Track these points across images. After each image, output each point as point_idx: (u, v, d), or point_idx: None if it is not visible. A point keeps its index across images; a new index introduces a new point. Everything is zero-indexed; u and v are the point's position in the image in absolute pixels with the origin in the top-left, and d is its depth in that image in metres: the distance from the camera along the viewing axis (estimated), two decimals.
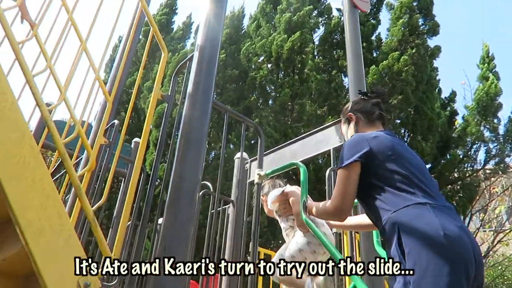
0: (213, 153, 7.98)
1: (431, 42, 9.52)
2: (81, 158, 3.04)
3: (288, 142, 3.69)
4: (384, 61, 8.61)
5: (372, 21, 9.89)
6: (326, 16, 10.05)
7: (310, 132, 3.49)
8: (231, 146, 7.73)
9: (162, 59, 2.18)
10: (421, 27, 9.40)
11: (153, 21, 2.09)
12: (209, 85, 1.83)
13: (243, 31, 10.62)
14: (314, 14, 9.80)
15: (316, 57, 9.64)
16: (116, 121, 2.74)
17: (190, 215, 1.53)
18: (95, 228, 1.55)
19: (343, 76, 9.75)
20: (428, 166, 9.76)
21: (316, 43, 9.93)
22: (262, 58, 9.35)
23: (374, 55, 9.67)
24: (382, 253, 1.91)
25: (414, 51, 8.72)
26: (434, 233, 1.28)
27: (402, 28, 9.04)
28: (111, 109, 2.24)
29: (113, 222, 3.81)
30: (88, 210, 1.55)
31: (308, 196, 1.72)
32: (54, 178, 3.52)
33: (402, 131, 9.50)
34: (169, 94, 2.12)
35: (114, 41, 11.90)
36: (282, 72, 8.90)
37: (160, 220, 3.94)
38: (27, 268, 1.67)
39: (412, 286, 1.23)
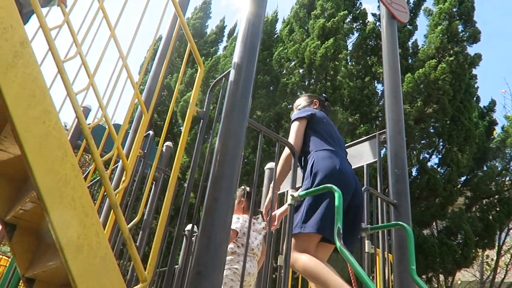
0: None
1: (471, 50, 9.22)
2: (117, 166, 3.11)
3: None
4: (421, 69, 8.37)
5: (408, 26, 9.65)
6: (361, 21, 9.88)
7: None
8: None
9: (198, 74, 2.20)
10: (461, 34, 9.08)
11: (191, 38, 2.10)
12: (245, 106, 1.83)
13: (275, 35, 10.61)
14: (348, 19, 9.67)
15: (349, 64, 9.50)
16: (151, 132, 2.79)
17: (224, 239, 1.53)
18: (130, 246, 1.58)
19: (376, 83, 9.57)
20: (463, 178, 9.43)
21: (350, 49, 9.79)
22: (293, 63, 9.30)
23: (410, 61, 9.43)
24: (420, 282, 1.84)
25: (452, 59, 8.43)
26: (333, 166, 2.21)
27: (441, 35, 8.76)
28: (148, 121, 2.27)
29: (142, 226, 3.87)
30: (124, 228, 1.57)
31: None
32: (91, 183, 3.62)
33: (437, 141, 9.22)
34: (204, 110, 2.13)
35: (149, 43, 12.16)
36: (314, 78, 8.82)
37: (188, 227, 3.96)
38: (65, 279, 1.73)
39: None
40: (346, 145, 3.50)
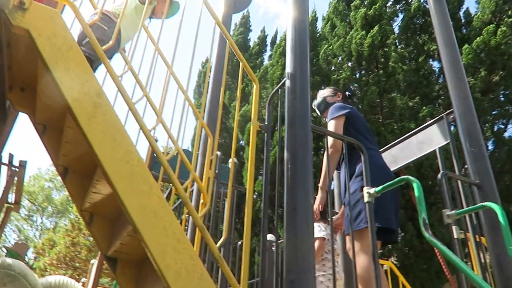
0: None
1: None
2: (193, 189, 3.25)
3: (387, 146, 3.55)
4: (478, 37, 7.86)
5: None
6: (404, 1, 9.52)
7: (410, 133, 3.32)
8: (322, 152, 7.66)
9: (255, 91, 2.27)
10: None
11: (243, 58, 2.19)
12: (306, 113, 1.86)
13: (318, 34, 10.53)
14: (390, 3, 9.35)
15: (399, 47, 9.16)
16: (218, 152, 2.91)
17: (310, 245, 1.56)
18: (222, 264, 1.66)
19: (431, 61, 9.12)
20: None
21: (397, 32, 9.44)
22: (341, 58, 9.16)
23: (464, 32, 8.89)
24: None
25: None
26: (383, 164, 2.40)
27: None
28: (216, 144, 2.38)
29: (225, 244, 4.02)
30: (214, 249, 1.66)
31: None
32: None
33: (510, 109, 8.53)
34: (266, 123, 2.20)
35: (198, 67, 12.63)
36: (364, 69, 8.61)
37: (269, 237, 4.04)
38: None
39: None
40: (413, 131, 3.40)
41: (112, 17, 2.58)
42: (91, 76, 1.70)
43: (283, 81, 2.13)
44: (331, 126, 2.46)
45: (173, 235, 1.58)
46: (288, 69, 2.07)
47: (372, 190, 1.87)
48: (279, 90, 2.28)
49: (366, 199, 1.87)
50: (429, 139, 3.11)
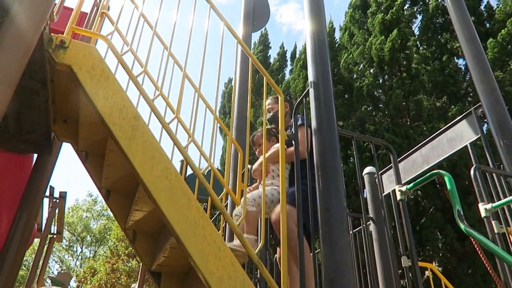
0: None
1: None
2: (227, 203, 3.34)
3: (417, 146, 3.53)
4: (503, 30, 7.70)
5: None
6: (421, 3, 9.48)
7: (439, 131, 3.30)
8: (352, 160, 7.61)
9: (280, 102, 2.35)
10: None
11: (266, 72, 2.28)
12: (331, 117, 1.92)
13: (336, 44, 10.59)
14: (407, 5, 9.33)
15: (421, 48, 9.08)
16: (249, 166, 2.99)
17: (346, 243, 1.60)
18: (262, 268, 1.72)
19: (456, 59, 8.98)
20: None
21: (417, 33, 9.38)
22: (362, 65, 9.16)
23: (488, 26, 8.73)
24: None
25: None
26: None
27: None
28: (246, 159, 2.47)
29: (261, 257, 4.07)
30: (253, 254, 1.73)
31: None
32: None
33: None
34: (294, 132, 2.27)
35: (222, 88, 12.89)
36: (387, 74, 8.57)
37: None
38: None
39: None
40: (441, 129, 3.38)
41: None
42: (128, 102, 1.83)
43: (306, 90, 2.21)
44: (300, 133, 2.28)
45: (213, 243, 1.66)
46: (311, 78, 2.15)
47: (404, 188, 1.89)
48: (303, 99, 2.35)
49: (398, 196, 1.89)
50: (459, 135, 3.08)
